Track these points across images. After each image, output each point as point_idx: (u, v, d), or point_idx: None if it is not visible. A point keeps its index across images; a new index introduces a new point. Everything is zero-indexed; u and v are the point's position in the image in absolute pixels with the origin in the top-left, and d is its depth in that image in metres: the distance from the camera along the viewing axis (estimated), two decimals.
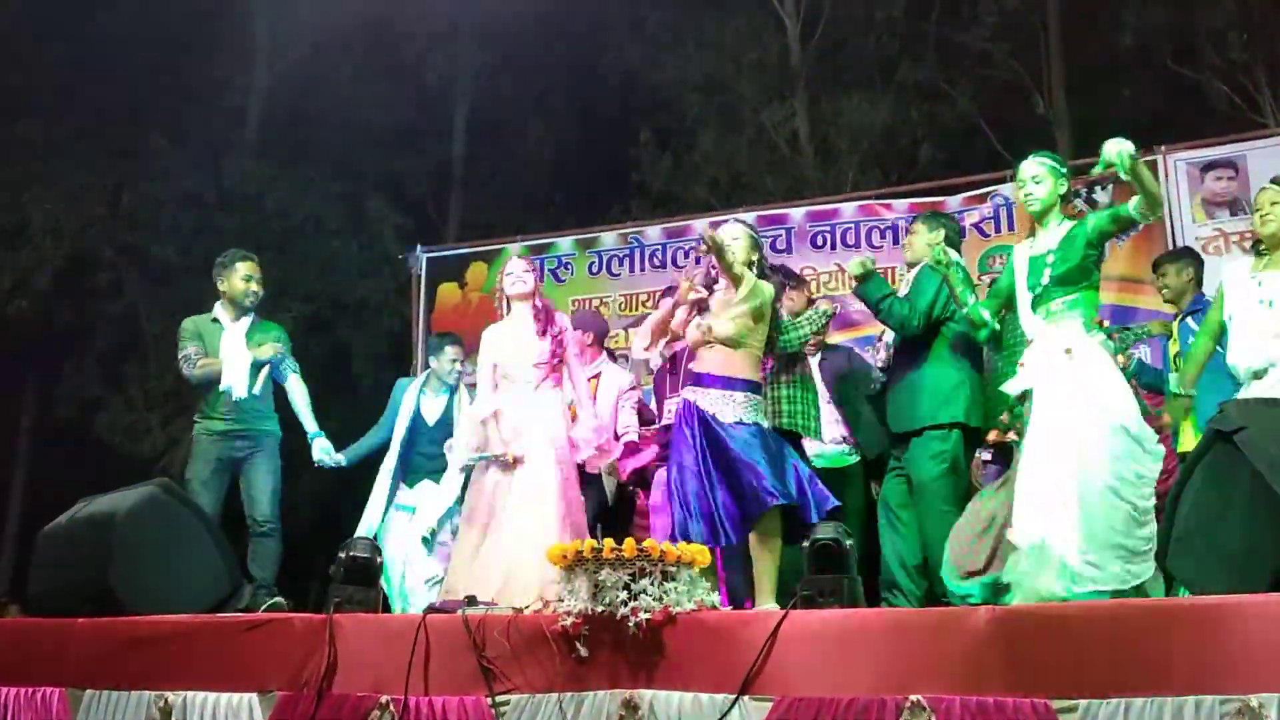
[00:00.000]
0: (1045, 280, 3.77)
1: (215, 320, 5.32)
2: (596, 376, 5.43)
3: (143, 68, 13.23)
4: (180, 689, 3.64)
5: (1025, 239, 4.05)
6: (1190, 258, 5.26)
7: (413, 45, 14.41)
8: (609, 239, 8.21)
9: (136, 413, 12.45)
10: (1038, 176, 3.88)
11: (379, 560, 3.96)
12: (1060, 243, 3.79)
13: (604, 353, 5.75)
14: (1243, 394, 3.79)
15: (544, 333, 4.51)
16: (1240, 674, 2.64)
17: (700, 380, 4.09)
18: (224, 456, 5.13)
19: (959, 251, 4.59)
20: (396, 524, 5.49)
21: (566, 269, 8.17)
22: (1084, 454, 3.46)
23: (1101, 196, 6.64)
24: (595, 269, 8.09)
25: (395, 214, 13.98)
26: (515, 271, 4.66)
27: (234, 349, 5.18)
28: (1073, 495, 3.41)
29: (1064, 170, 3.90)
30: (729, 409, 3.98)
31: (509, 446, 4.33)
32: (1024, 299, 3.85)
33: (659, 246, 7.94)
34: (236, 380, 5.11)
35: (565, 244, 8.29)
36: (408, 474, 5.53)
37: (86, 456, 12.87)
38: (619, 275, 7.98)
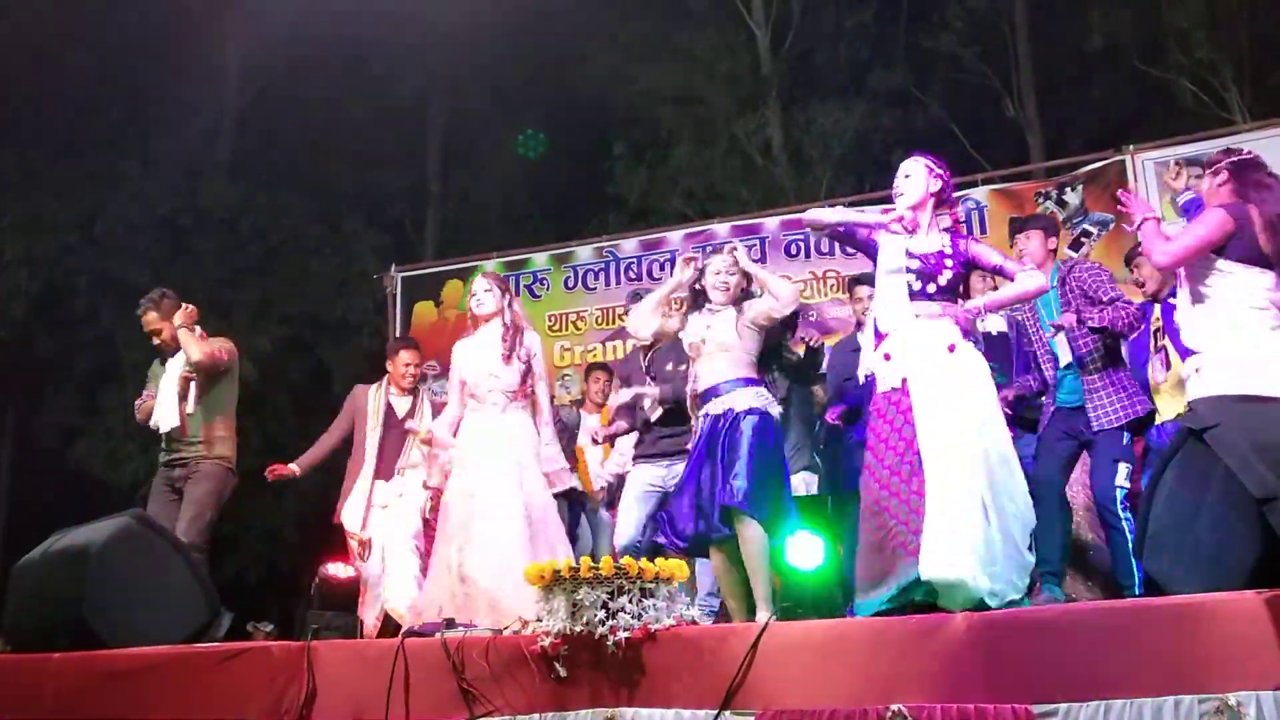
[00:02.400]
0: (939, 281, 3.74)
1: (160, 361, 5.63)
2: None
3: (114, 93, 13.18)
4: None
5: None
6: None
7: (385, 63, 14.38)
8: (584, 253, 8.21)
9: (115, 440, 12.34)
10: (909, 173, 3.89)
11: (357, 584, 3.94)
12: (950, 253, 3.78)
13: None
14: None
15: (510, 356, 4.51)
16: (1218, 672, 2.65)
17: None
18: (167, 486, 5.36)
19: None
20: (376, 522, 5.55)
21: (542, 284, 8.16)
22: (969, 477, 3.43)
23: (1071, 198, 6.69)
24: (571, 284, 8.08)
25: (372, 233, 13.94)
26: (478, 292, 4.68)
27: (166, 385, 5.44)
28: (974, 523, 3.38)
29: (939, 170, 3.89)
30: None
31: (464, 467, 4.39)
32: (896, 286, 3.78)
33: (634, 260, 7.95)
34: (162, 415, 5.36)
35: (541, 259, 8.29)
36: (385, 471, 5.62)
37: (67, 486, 12.76)
38: (595, 289, 7.98)
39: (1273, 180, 3.57)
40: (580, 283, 8.06)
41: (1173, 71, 11.56)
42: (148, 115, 13.52)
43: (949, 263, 3.75)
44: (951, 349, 3.62)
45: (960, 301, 3.82)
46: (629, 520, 5.02)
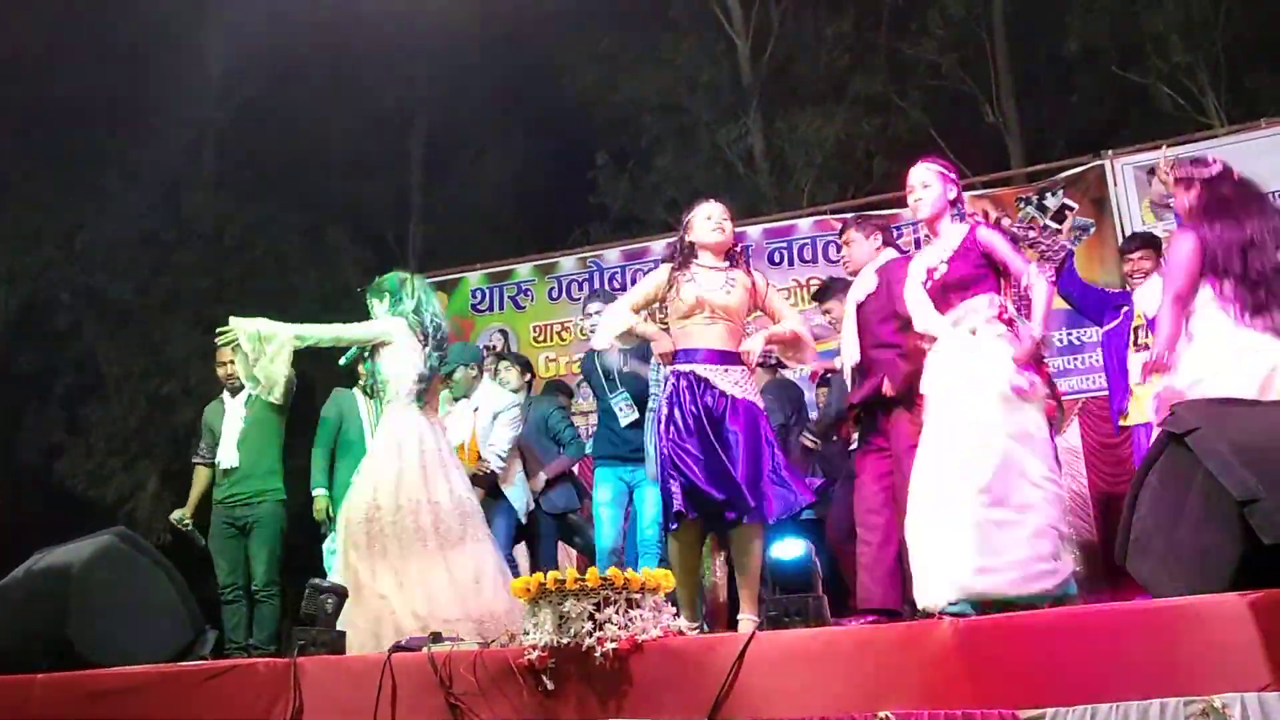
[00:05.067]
0: (943, 282, 3.79)
1: (220, 401, 5.76)
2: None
3: (95, 106, 13.10)
4: None
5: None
6: (1140, 242, 5.32)
7: (368, 75, 14.37)
8: (568, 264, 8.22)
9: (98, 457, 12.27)
10: (926, 182, 3.91)
11: (343, 601, 3.91)
12: (957, 248, 3.81)
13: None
14: None
15: (424, 343, 4.55)
16: (1203, 675, 2.65)
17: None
18: (229, 522, 5.51)
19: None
20: None
21: (526, 295, 8.17)
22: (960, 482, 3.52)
23: (1051, 201, 6.73)
24: (555, 294, 8.09)
25: (355, 245, 13.91)
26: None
27: (230, 425, 5.60)
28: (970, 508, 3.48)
29: (952, 176, 3.93)
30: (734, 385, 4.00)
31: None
32: (924, 302, 3.87)
33: (618, 269, 7.96)
34: (224, 454, 5.54)
35: (524, 270, 8.30)
36: None
37: (50, 503, 12.65)
38: (579, 300, 7.98)
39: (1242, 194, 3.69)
40: (564, 293, 8.07)
41: (1150, 76, 11.66)
42: (129, 128, 13.45)
43: (950, 256, 3.80)
44: (974, 332, 3.69)
45: (1001, 287, 3.81)
46: (609, 519, 5.06)
